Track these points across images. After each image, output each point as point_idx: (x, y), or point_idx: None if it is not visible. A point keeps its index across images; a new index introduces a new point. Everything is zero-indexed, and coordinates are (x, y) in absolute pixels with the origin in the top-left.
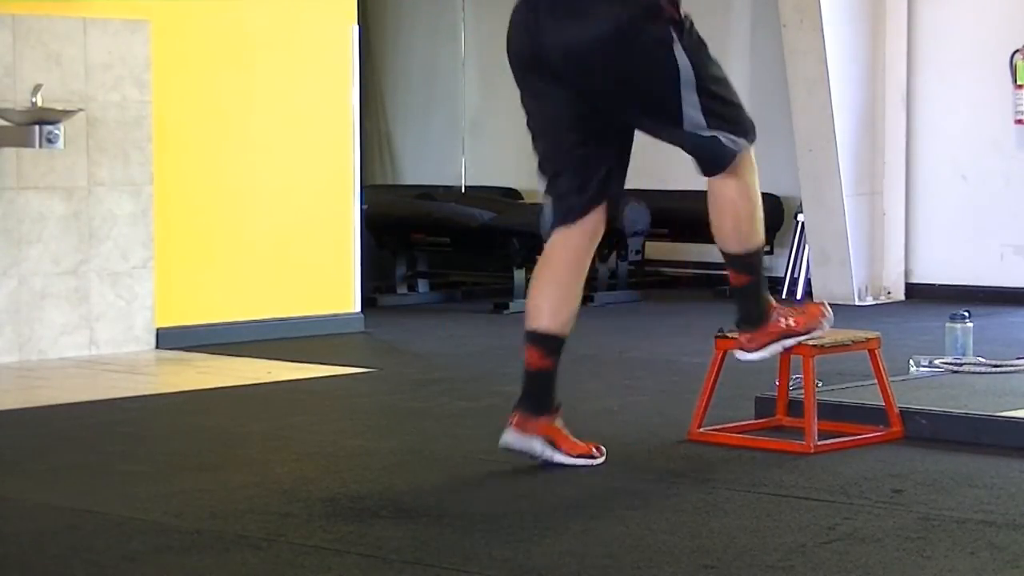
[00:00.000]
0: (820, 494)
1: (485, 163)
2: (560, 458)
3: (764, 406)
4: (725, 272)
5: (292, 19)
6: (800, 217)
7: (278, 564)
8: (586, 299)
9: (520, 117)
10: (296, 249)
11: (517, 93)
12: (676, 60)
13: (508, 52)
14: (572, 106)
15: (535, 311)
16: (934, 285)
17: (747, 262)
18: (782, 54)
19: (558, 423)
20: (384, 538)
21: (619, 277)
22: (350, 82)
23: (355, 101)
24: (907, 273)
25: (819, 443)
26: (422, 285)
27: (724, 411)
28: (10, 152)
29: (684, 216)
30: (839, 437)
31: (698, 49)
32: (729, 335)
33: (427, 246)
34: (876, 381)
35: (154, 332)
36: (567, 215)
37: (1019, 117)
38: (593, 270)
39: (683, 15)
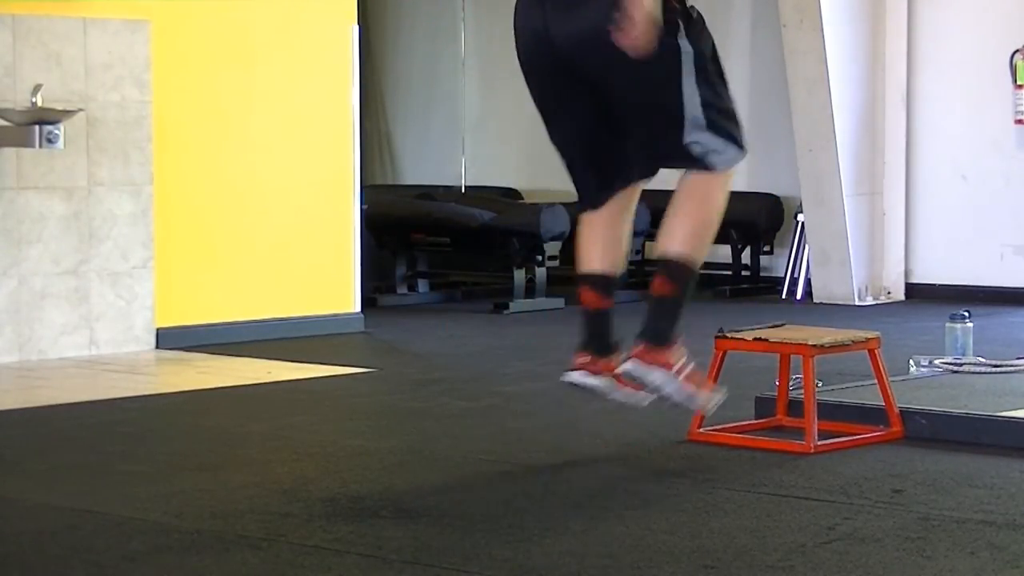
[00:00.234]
0: (820, 494)
1: (485, 163)
2: (625, 395)
3: (764, 406)
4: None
5: (292, 19)
6: (800, 217)
7: (278, 564)
8: None
9: (520, 117)
10: (296, 249)
11: (517, 93)
12: (679, 46)
13: (517, 48)
14: (588, 107)
15: (586, 255)
16: (934, 285)
17: (683, 272)
18: (782, 54)
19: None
20: (384, 538)
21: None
22: (350, 82)
23: (355, 101)
24: (907, 273)
25: (819, 443)
26: (422, 285)
27: (724, 411)
28: (10, 152)
29: None
30: (839, 437)
31: (704, 42)
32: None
33: (427, 246)
34: (876, 381)
35: (154, 332)
36: (588, 203)
37: (1019, 117)
38: None
39: (691, 7)
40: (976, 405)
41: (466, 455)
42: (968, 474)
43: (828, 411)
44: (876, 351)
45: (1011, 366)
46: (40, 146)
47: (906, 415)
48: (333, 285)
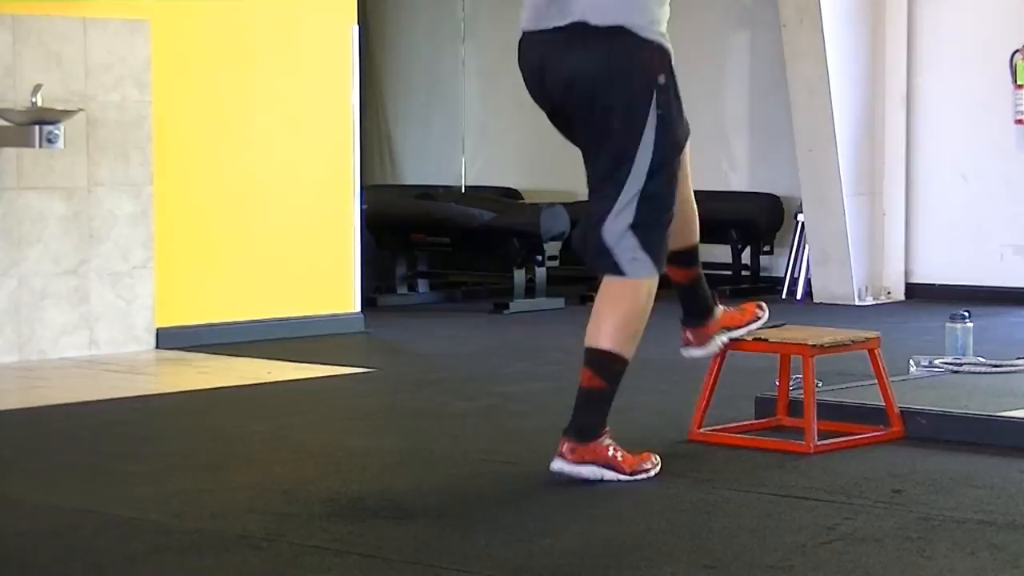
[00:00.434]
0: (820, 494)
1: (485, 163)
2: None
3: (764, 406)
4: (725, 272)
5: (292, 19)
6: (800, 217)
7: (278, 564)
8: (586, 299)
9: (520, 117)
10: (296, 249)
11: (517, 93)
12: (648, 110)
13: (525, 83)
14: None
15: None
16: (934, 285)
17: (612, 367)
18: (782, 54)
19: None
20: (384, 538)
21: None
22: (350, 82)
23: (355, 101)
24: (907, 273)
25: (819, 443)
26: (422, 285)
27: (724, 411)
28: (10, 152)
29: None
30: (839, 437)
31: (670, 127)
32: None
33: (427, 246)
34: (876, 381)
35: (154, 332)
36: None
37: (1019, 117)
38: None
39: (667, 80)
40: (976, 405)
41: (466, 455)
42: (968, 474)
43: (828, 411)
44: (876, 351)
45: (1011, 366)
46: (40, 146)
47: (906, 415)
48: (333, 285)
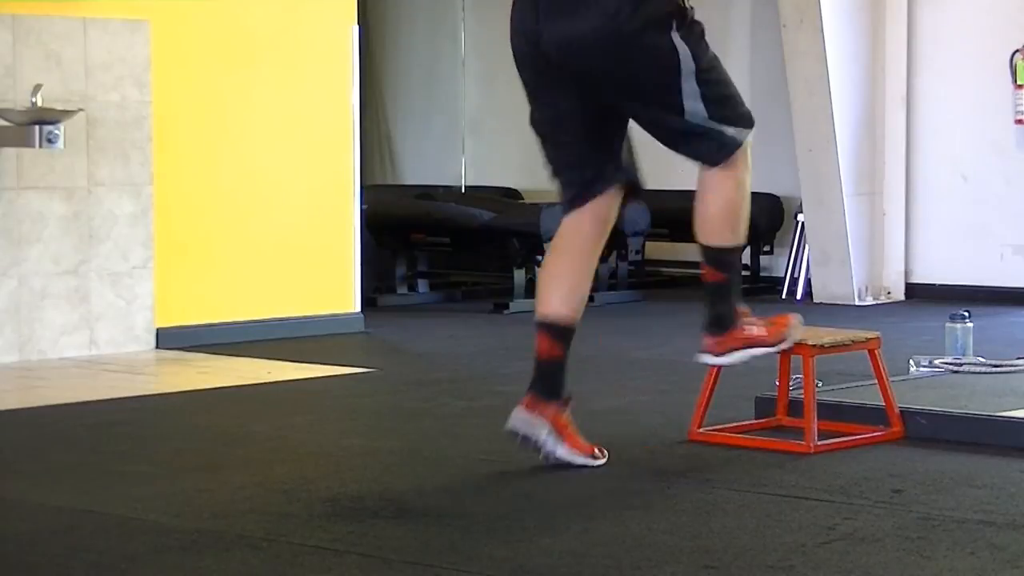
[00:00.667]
0: (820, 494)
1: (485, 163)
2: (562, 453)
3: (764, 406)
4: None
5: (292, 19)
6: (800, 217)
7: (278, 564)
8: (587, 298)
9: (520, 117)
10: (296, 249)
11: (517, 93)
12: (675, 47)
13: (512, 50)
14: (575, 99)
15: (545, 299)
16: (934, 285)
17: (725, 259)
18: (782, 54)
19: (567, 416)
20: (384, 538)
21: (619, 277)
22: (350, 82)
23: (355, 101)
24: (907, 273)
25: (819, 443)
26: (422, 285)
27: (724, 411)
28: (10, 152)
29: (684, 216)
30: (839, 437)
31: (698, 40)
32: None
33: (427, 246)
34: (876, 381)
35: (154, 332)
36: (575, 200)
37: (1019, 117)
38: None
39: (686, 5)
40: (976, 405)
41: (466, 455)
42: (968, 474)
43: (828, 411)
44: (876, 351)
45: (1011, 366)
46: (40, 146)
47: (906, 415)
48: (333, 285)
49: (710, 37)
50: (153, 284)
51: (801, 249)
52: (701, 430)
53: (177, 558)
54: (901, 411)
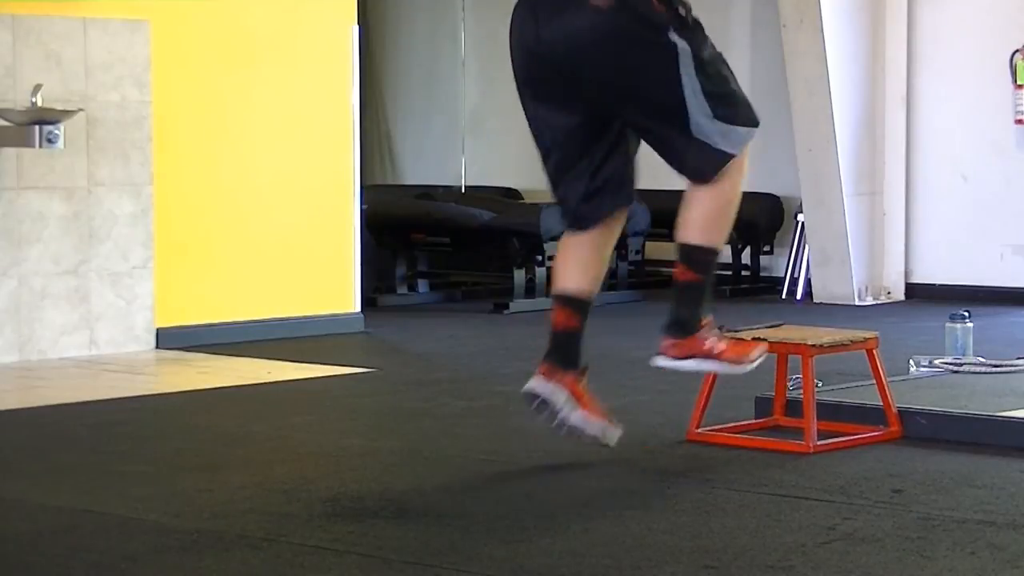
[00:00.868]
0: (820, 494)
1: (485, 163)
2: (576, 419)
3: (763, 406)
4: (725, 272)
5: (292, 19)
6: (800, 217)
7: (278, 564)
8: None
9: (520, 117)
10: (296, 249)
11: (517, 93)
12: (673, 41)
13: (512, 61)
14: (577, 115)
15: (562, 274)
16: (934, 285)
17: (703, 259)
18: (782, 54)
19: (583, 384)
20: (384, 538)
21: (619, 277)
22: (350, 82)
23: (355, 101)
24: (907, 273)
25: (818, 443)
26: (422, 285)
27: (724, 411)
28: (10, 152)
29: None
30: (838, 437)
31: (697, 34)
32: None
33: (427, 246)
34: (875, 381)
35: (154, 332)
36: (576, 223)
37: (1019, 117)
38: None
39: (685, 8)
40: (976, 405)
41: (466, 455)
42: (968, 474)
43: (827, 411)
44: (874, 351)
45: (1011, 366)
46: (40, 146)
47: (906, 415)
48: (333, 285)
49: (710, 37)
50: (153, 284)
51: (801, 249)
52: (700, 430)
53: (177, 558)
54: (901, 411)
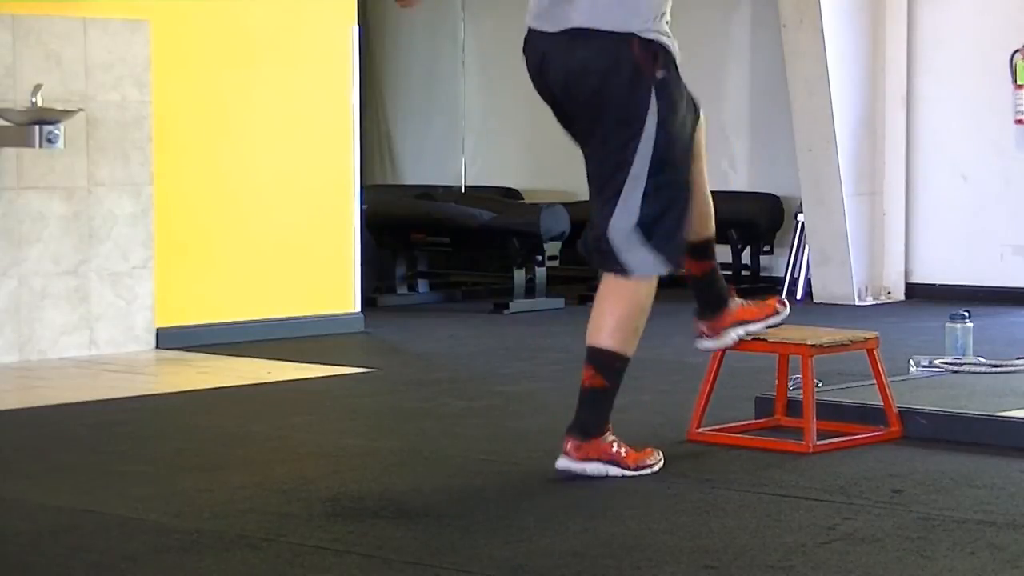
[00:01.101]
0: (820, 494)
1: (485, 163)
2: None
3: (764, 406)
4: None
5: (292, 19)
6: (800, 217)
7: (278, 564)
8: (586, 299)
9: (520, 117)
10: (296, 249)
11: (517, 93)
12: (648, 106)
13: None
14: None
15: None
16: (934, 285)
17: (612, 364)
18: (782, 54)
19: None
20: (384, 538)
21: None
22: (350, 82)
23: (355, 101)
24: (907, 273)
25: (818, 443)
26: (422, 285)
27: (724, 411)
28: (10, 152)
29: None
30: (838, 437)
31: (675, 108)
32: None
33: (427, 246)
34: (875, 381)
35: (154, 332)
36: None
37: (1019, 117)
38: (594, 270)
39: (667, 75)
40: (976, 405)
41: (466, 455)
42: (968, 474)
43: (827, 411)
44: (875, 351)
45: (1011, 366)
46: (40, 146)
47: (906, 415)
48: (333, 285)
49: (711, 37)
50: (153, 284)
51: (801, 249)
52: (701, 430)
53: (177, 558)
54: (901, 411)
